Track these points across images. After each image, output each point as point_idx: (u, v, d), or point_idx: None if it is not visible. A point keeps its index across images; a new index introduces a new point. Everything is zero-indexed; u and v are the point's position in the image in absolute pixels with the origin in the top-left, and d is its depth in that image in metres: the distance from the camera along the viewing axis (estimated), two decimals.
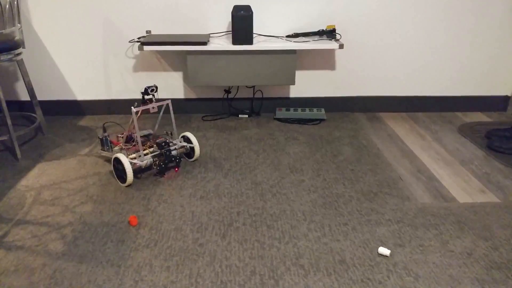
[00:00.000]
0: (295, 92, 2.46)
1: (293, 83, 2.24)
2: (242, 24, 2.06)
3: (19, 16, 2.00)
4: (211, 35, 2.29)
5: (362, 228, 1.41)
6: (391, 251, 1.30)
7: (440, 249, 1.31)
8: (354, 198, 1.59)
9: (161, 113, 1.83)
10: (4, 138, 1.89)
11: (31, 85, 2.08)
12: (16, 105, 2.45)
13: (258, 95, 2.46)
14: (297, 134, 2.19)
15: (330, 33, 2.21)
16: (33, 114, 2.26)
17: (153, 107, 1.71)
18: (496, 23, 2.32)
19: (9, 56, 1.89)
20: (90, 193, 1.64)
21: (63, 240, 1.35)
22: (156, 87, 1.69)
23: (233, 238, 1.36)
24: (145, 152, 1.73)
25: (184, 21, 2.27)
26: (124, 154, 1.69)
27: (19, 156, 1.91)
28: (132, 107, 1.64)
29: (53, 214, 1.50)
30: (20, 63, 2.00)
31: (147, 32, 2.27)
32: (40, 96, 2.42)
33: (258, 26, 2.29)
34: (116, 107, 2.46)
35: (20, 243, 1.34)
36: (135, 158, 1.70)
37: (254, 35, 2.29)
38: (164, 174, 1.76)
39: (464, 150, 2.01)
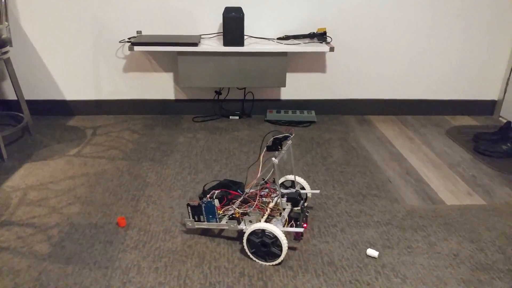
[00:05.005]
0: (285, 94, 2.47)
1: (284, 85, 2.25)
2: (233, 25, 2.07)
3: (6, 14, 1.97)
4: (202, 36, 2.29)
5: (351, 229, 1.42)
6: (380, 252, 1.30)
7: (427, 250, 1.32)
8: (343, 200, 1.60)
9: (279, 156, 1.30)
10: None
11: (19, 84, 2.06)
12: (2, 104, 2.41)
13: (249, 96, 2.47)
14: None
15: (321, 36, 2.23)
16: (20, 114, 2.23)
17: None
18: (485, 28, 2.35)
19: None
20: (78, 194, 1.62)
21: (49, 242, 1.34)
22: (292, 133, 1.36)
23: (222, 240, 1.35)
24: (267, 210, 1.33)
25: (175, 21, 2.26)
26: (252, 220, 1.28)
27: (5, 156, 1.88)
28: (273, 158, 1.23)
29: (39, 215, 1.48)
30: (7, 62, 1.97)
31: (137, 32, 2.26)
32: (28, 96, 2.39)
33: (249, 28, 2.30)
34: (106, 108, 2.44)
35: (5, 245, 1.32)
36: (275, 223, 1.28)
37: (245, 37, 2.29)
38: (303, 235, 1.38)
39: (452, 153, 2.04)
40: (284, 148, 1.32)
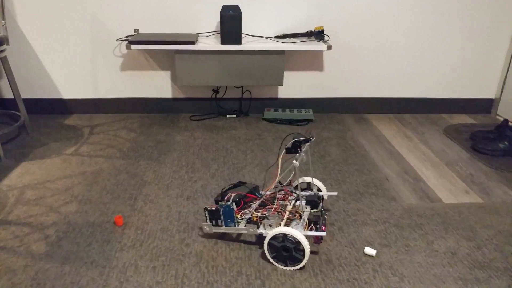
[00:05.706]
0: (283, 92, 2.47)
1: (282, 84, 2.24)
2: (230, 24, 2.06)
3: (3, 12, 1.96)
4: (199, 34, 2.28)
5: (348, 228, 1.42)
6: (377, 251, 1.31)
7: (425, 249, 1.32)
8: (340, 198, 1.60)
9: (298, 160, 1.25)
10: None
11: (15, 83, 2.04)
12: None
13: (246, 95, 2.46)
14: (285, 135, 2.19)
15: (318, 35, 2.22)
16: (17, 112, 2.22)
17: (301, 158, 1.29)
18: (483, 27, 2.36)
19: None
20: (75, 192, 1.61)
21: (46, 241, 1.33)
22: (312, 137, 1.31)
23: (220, 239, 1.35)
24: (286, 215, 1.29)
25: (172, 20, 2.25)
26: (272, 224, 1.23)
27: (1, 155, 1.87)
28: (295, 161, 1.22)
29: (36, 214, 1.47)
30: (4, 60, 1.96)
31: (135, 30, 2.25)
32: (25, 94, 2.37)
33: (246, 26, 2.29)
34: (103, 106, 2.43)
35: (2, 244, 1.31)
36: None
37: (242, 35, 2.28)
38: (322, 239, 1.33)
39: (449, 151, 2.04)
40: (303, 150, 1.30)
